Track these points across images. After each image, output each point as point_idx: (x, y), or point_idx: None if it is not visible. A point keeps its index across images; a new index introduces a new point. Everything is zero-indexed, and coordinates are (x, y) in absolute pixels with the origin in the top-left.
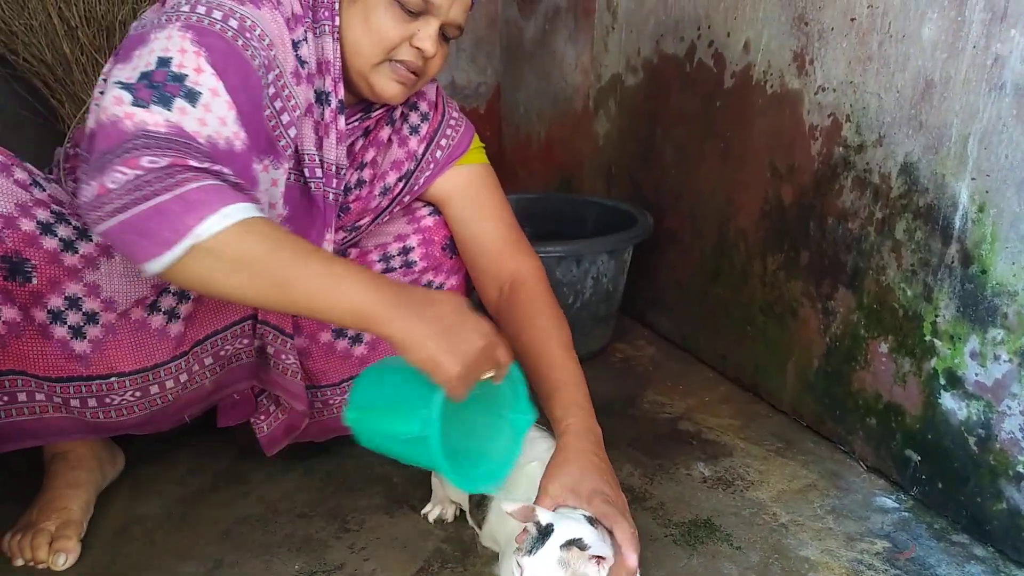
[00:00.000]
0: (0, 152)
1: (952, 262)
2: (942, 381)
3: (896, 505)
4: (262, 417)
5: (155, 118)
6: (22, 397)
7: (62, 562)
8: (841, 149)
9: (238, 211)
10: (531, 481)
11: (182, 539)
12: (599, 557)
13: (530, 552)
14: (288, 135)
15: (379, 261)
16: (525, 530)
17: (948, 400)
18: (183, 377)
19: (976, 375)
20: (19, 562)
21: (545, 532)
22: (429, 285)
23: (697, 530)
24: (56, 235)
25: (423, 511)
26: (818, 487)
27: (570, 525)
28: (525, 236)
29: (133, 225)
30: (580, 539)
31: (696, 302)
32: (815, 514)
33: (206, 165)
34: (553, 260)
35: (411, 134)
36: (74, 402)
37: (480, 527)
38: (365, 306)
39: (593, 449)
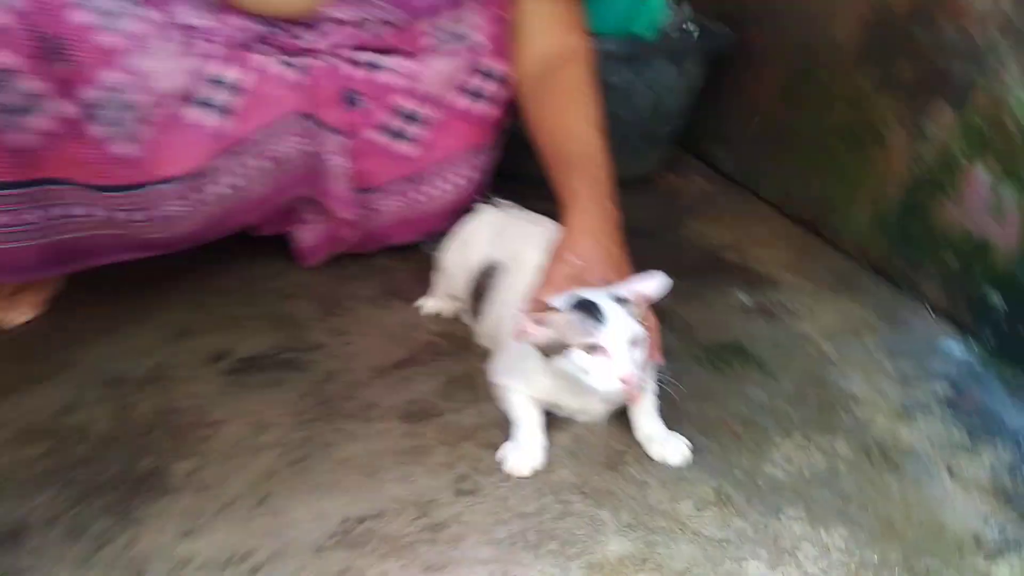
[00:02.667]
0: None
1: None
2: None
3: (964, 351)
4: (302, 226)
5: None
6: (78, 211)
7: (19, 319)
8: None
9: None
10: (533, 275)
11: (145, 304)
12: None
13: (599, 323)
14: None
15: (431, 36)
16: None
17: None
18: (235, 180)
19: None
20: None
21: (590, 306)
22: (488, 73)
23: (725, 353)
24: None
25: (417, 303)
26: (873, 326)
27: (594, 292)
28: (582, 15)
29: None
30: (620, 294)
31: (767, 130)
32: (867, 351)
33: None
34: (602, 56)
35: None
36: (121, 214)
37: (478, 321)
38: None
39: (604, 228)
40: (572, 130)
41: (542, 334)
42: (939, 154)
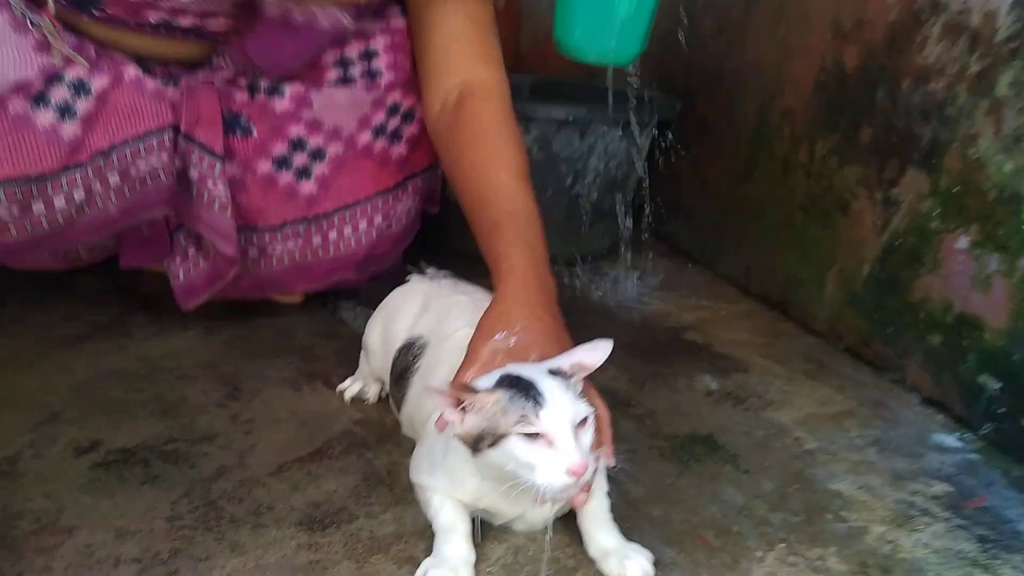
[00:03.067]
0: None
1: None
2: None
3: (960, 444)
4: (178, 260)
5: None
6: None
7: None
8: None
9: None
10: (460, 352)
11: (22, 383)
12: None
13: (536, 404)
14: None
15: (335, 66)
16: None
17: None
18: (78, 195)
19: None
20: None
21: (522, 383)
22: (395, 109)
23: (694, 446)
24: None
25: (339, 386)
26: (856, 415)
27: (524, 368)
28: (498, 49)
29: None
30: (555, 367)
31: (723, 205)
32: (852, 445)
33: None
34: (552, 126)
35: None
36: None
37: (399, 408)
38: None
39: (539, 298)
40: (496, 184)
41: (468, 423)
42: (911, 222)
